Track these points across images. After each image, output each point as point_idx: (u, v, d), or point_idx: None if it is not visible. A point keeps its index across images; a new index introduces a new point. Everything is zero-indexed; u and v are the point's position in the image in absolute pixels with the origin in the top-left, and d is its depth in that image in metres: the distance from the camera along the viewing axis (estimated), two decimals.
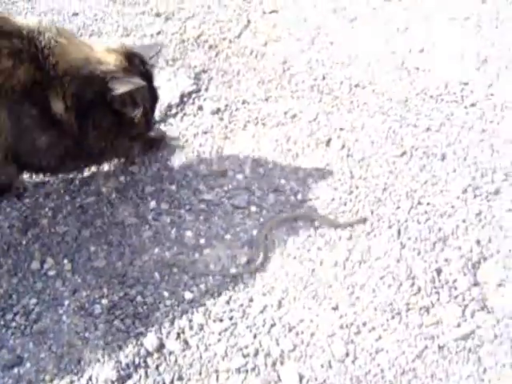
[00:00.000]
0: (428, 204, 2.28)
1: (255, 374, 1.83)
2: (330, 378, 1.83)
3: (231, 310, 1.97)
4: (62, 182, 2.27)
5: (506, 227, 2.22)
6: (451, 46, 2.96)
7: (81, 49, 1.97)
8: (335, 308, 1.99)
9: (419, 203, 2.28)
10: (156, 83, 2.16)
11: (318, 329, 1.94)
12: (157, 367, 1.84)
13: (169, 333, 1.91)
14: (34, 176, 2.22)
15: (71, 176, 2.28)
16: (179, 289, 2.02)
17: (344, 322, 1.96)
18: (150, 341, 1.89)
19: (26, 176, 2.22)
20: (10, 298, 1.97)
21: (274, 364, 1.86)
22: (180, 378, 1.82)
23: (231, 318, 1.96)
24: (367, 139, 2.50)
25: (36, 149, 1.95)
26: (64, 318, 1.94)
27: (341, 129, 2.53)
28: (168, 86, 2.65)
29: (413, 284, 2.05)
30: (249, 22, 3.04)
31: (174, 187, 2.29)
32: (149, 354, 1.87)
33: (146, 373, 1.83)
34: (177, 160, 2.38)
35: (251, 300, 2.00)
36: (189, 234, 2.16)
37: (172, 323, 1.94)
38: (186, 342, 1.90)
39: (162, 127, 2.49)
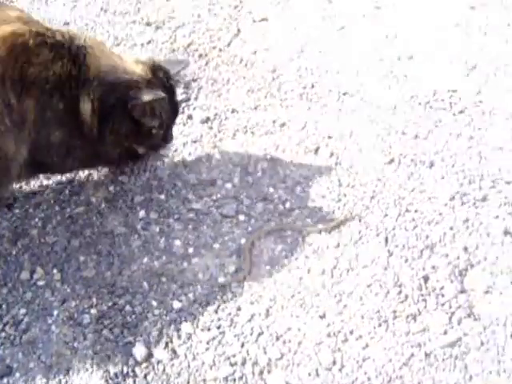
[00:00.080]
0: (416, 211, 2.30)
1: (243, 383, 1.85)
2: None
3: (219, 319, 1.98)
4: (52, 192, 2.29)
5: (493, 234, 2.24)
6: (440, 53, 2.97)
7: (110, 57, 2.04)
8: (322, 316, 2.00)
9: (407, 211, 2.30)
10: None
11: (306, 337, 1.96)
12: (145, 376, 1.85)
13: (157, 342, 1.93)
14: (29, 182, 2.25)
15: (60, 186, 2.28)
16: (168, 298, 2.03)
17: (331, 330, 1.97)
18: (138, 350, 1.90)
19: (15, 187, 2.22)
20: (0, 309, 1.98)
21: (261, 372, 1.87)
22: None
23: (219, 327, 1.97)
24: (355, 147, 2.51)
25: (50, 143, 1.97)
26: (53, 327, 1.95)
27: (329, 137, 2.55)
28: None
29: (400, 292, 2.06)
30: (239, 30, 3.05)
31: (163, 196, 2.31)
32: (137, 363, 1.88)
33: (135, 382, 1.84)
34: (166, 169, 2.39)
35: (239, 309, 2.01)
36: (177, 243, 2.17)
37: (160, 332, 1.95)
38: (174, 351, 1.91)
39: None
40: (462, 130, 2.62)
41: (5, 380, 1.83)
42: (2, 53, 1.76)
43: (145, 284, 2.06)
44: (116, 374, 1.85)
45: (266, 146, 2.50)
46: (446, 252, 2.17)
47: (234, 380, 1.85)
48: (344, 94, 2.75)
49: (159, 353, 1.90)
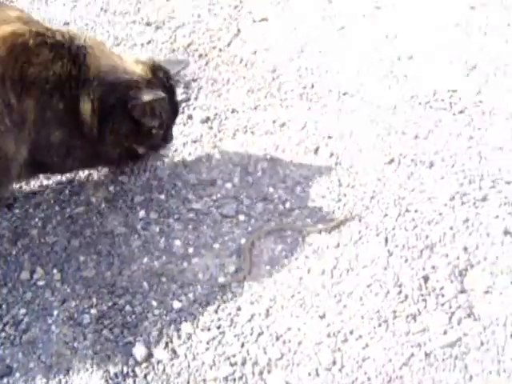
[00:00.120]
0: (416, 211, 2.30)
1: (242, 383, 1.85)
2: None
3: (219, 319, 1.99)
4: (52, 192, 2.29)
5: (493, 234, 2.24)
6: (440, 53, 2.97)
7: (110, 57, 2.05)
8: (322, 316, 2.00)
9: (407, 211, 2.30)
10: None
11: (306, 337, 1.96)
12: (145, 376, 1.86)
13: (157, 342, 1.93)
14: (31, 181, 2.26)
15: (61, 186, 2.29)
16: (168, 298, 2.03)
17: (331, 330, 1.97)
18: (138, 350, 1.90)
19: (15, 187, 2.22)
20: (0, 309, 1.98)
21: (261, 373, 1.87)
22: None
23: (219, 327, 1.97)
24: (355, 147, 2.52)
25: (50, 143, 1.97)
26: (53, 327, 1.95)
27: (329, 137, 2.55)
28: None
29: (400, 292, 2.06)
30: (239, 30, 3.05)
31: (163, 196, 2.31)
32: (137, 363, 1.88)
33: (135, 382, 1.85)
34: (166, 169, 2.39)
35: (239, 309, 2.01)
36: (177, 243, 2.17)
37: (160, 332, 1.95)
38: (174, 351, 1.91)
39: None
40: (462, 129, 2.62)
41: (5, 380, 1.84)
42: (1, 53, 1.76)
43: (145, 284, 2.06)
44: (116, 374, 1.85)
45: (265, 145, 2.51)
46: (446, 252, 2.17)
47: (234, 380, 1.85)
48: (344, 94, 2.75)
49: (159, 353, 1.91)
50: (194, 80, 2.78)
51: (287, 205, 2.30)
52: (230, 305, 2.02)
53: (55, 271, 2.09)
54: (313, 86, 2.78)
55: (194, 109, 2.65)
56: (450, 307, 2.04)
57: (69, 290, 2.04)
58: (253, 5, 3.20)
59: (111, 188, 2.32)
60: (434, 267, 2.13)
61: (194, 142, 2.51)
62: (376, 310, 2.02)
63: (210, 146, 2.49)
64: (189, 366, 1.88)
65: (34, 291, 2.04)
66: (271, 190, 2.34)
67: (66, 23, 3.06)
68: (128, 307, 2.00)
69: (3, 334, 1.93)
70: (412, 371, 1.90)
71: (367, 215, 2.28)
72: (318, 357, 1.91)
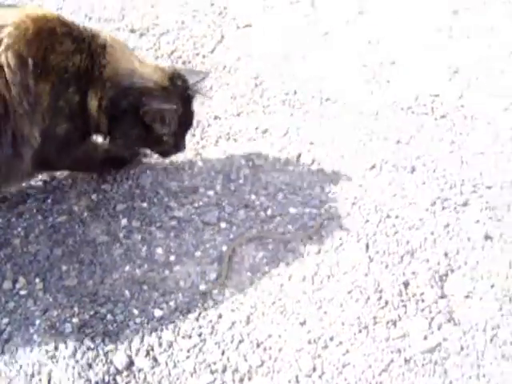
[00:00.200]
0: (397, 217, 2.31)
1: None
2: None
3: (200, 327, 1.99)
4: (35, 201, 2.29)
5: (473, 239, 2.26)
6: (423, 58, 2.99)
7: (130, 60, 2.07)
8: (303, 323, 2.02)
9: (388, 216, 2.31)
10: None
11: (286, 344, 1.97)
12: None
13: (138, 350, 1.93)
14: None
15: (43, 195, 2.29)
16: (149, 306, 2.04)
17: (312, 336, 1.99)
18: (119, 358, 1.91)
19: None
20: None
21: (241, 380, 1.89)
22: None
23: (200, 335, 1.98)
24: (337, 153, 2.53)
25: (55, 134, 1.99)
26: (35, 337, 1.96)
27: (311, 143, 2.56)
28: None
29: (380, 297, 2.08)
30: (222, 37, 3.06)
31: (145, 204, 2.31)
32: (118, 371, 1.89)
33: None
34: (148, 177, 2.40)
35: (220, 316, 2.02)
36: (159, 251, 2.18)
37: (141, 341, 1.96)
38: (155, 359, 1.92)
39: None
40: (444, 134, 2.64)
41: None
42: (30, 32, 1.81)
43: (126, 292, 2.07)
44: (97, 383, 1.86)
45: (248, 152, 2.51)
46: (427, 257, 2.19)
47: None
48: (326, 99, 2.77)
49: (140, 361, 1.91)
50: None
51: (269, 212, 2.31)
52: (211, 312, 2.03)
53: (37, 280, 2.09)
54: (295, 93, 2.79)
55: None
56: (430, 312, 2.06)
57: (51, 300, 2.04)
58: (237, 11, 3.21)
59: (94, 196, 2.32)
60: (414, 273, 2.15)
61: None
62: (356, 316, 2.04)
63: (192, 153, 2.49)
64: (169, 374, 1.89)
65: (16, 301, 2.04)
66: (253, 196, 2.35)
67: None
68: (109, 316, 2.00)
69: None
70: (392, 377, 1.91)
71: (348, 221, 2.28)
72: (298, 363, 1.93)
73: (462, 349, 1.98)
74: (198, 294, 2.07)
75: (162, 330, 1.98)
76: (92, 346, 1.94)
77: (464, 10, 3.27)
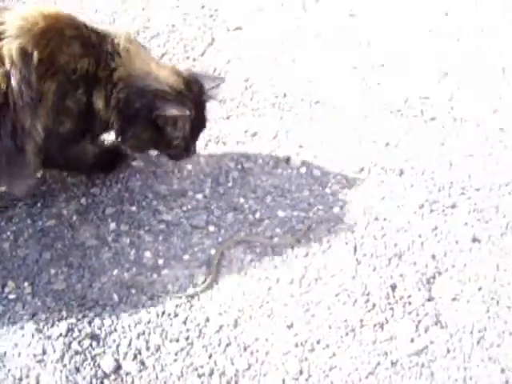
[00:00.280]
0: (384, 220, 2.32)
1: None
2: None
3: (188, 330, 2.00)
4: (24, 205, 2.29)
5: (461, 241, 2.26)
6: (413, 60, 3.00)
7: (146, 62, 2.07)
8: (290, 326, 2.02)
9: (376, 219, 2.32)
10: None
11: (273, 347, 1.98)
12: None
13: (126, 354, 1.94)
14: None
15: (33, 200, 2.30)
16: (137, 310, 2.04)
17: (299, 339, 1.99)
18: (106, 362, 1.91)
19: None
20: None
21: (228, 383, 1.89)
22: None
23: (187, 338, 1.98)
24: (326, 156, 2.53)
25: (57, 132, 2.00)
26: (23, 340, 1.96)
27: (300, 146, 2.56)
28: None
29: (367, 300, 2.08)
30: (213, 39, 3.07)
31: (134, 208, 2.32)
32: (106, 375, 1.90)
33: None
34: (137, 181, 2.40)
35: (207, 320, 2.03)
36: (148, 254, 2.19)
37: (129, 344, 1.96)
38: (142, 363, 1.93)
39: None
40: (433, 137, 2.64)
41: None
42: (38, 28, 1.83)
43: (115, 296, 2.08)
44: None
45: (237, 155, 2.52)
46: (414, 260, 2.20)
47: None
48: (316, 102, 2.77)
49: (128, 365, 1.92)
50: None
51: (257, 215, 2.32)
52: (198, 316, 2.04)
53: (26, 284, 2.09)
54: (285, 95, 2.79)
55: None
56: (418, 315, 2.06)
57: (39, 303, 2.05)
58: (228, 14, 3.22)
59: (83, 200, 2.33)
60: (401, 275, 2.15)
61: None
62: (344, 319, 2.04)
63: None
64: (157, 377, 1.90)
65: (5, 305, 2.05)
66: (242, 200, 2.36)
67: None
68: (97, 320, 2.01)
69: None
70: (378, 380, 1.92)
71: (337, 224, 2.29)
72: (285, 367, 1.93)
73: (448, 351, 1.99)
74: (185, 297, 2.08)
75: (149, 334, 1.99)
76: (80, 349, 1.94)
77: (454, 12, 3.27)
